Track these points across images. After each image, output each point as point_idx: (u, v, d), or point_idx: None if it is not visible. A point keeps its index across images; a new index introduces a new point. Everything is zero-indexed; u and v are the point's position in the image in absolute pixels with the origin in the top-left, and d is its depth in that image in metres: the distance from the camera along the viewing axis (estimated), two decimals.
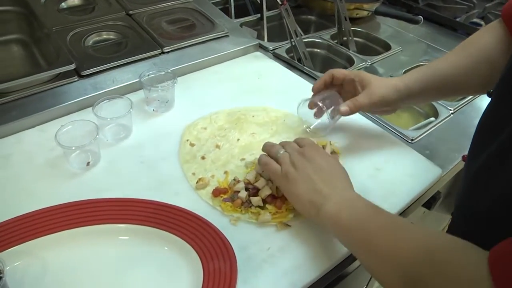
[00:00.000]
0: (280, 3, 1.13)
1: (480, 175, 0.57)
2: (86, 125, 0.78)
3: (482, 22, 1.58)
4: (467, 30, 1.49)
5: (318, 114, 0.88)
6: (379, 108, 0.82)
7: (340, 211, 0.61)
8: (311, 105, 0.86)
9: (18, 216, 0.62)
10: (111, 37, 1.06)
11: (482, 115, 0.62)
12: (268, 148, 0.74)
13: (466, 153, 0.66)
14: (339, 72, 0.84)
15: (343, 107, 0.80)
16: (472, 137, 0.64)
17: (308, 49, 1.22)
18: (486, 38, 0.77)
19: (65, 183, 0.74)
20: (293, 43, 1.17)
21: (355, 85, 0.83)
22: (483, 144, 0.58)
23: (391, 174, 0.83)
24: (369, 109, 0.84)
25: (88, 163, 0.77)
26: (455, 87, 0.80)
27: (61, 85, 0.90)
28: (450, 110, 1.05)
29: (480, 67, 0.76)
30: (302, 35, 1.23)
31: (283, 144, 0.73)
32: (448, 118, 1.03)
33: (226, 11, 1.42)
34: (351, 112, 0.80)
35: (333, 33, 1.35)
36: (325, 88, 0.86)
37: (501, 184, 0.50)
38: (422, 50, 1.36)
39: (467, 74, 0.77)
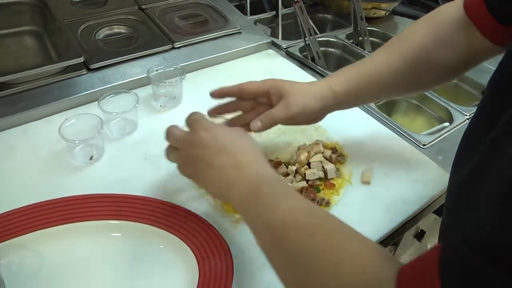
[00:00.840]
0: (294, 0, 1.11)
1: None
2: (91, 119, 0.78)
3: None
4: None
5: None
6: (302, 119, 0.72)
7: (246, 206, 0.53)
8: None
9: (16, 209, 0.62)
10: (122, 31, 1.05)
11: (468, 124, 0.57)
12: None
13: None
14: (250, 85, 0.73)
15: (255, 123, 0.68)
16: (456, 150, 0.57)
17: (322, 48, 1.20)
18: (420, 32, 0.71)
19: (68, 177, 0.73)
20: (307, 42, 1.15)
21: (270, 97, 0.72)
22: (465, 157, 0.52)
23: (400, 180, 0.80)
24: (287, 122, 0.72)
25: (91, 157, 0.77)
26: (383, 87, 0.72)
27: (70, 78, 0.90)
28: (466, 115, 1.02)
29: (415, 65, 0.69)
30: (316, 34, 1.21)
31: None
32: (463, 124, 1.00)
33: (242, 8, 1.41)
34: (263, 128, 0.69)
35: (348, 32, 1.32)
36: (232, 103, 0.76)
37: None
38: None
39: (395, 75, 0.70)
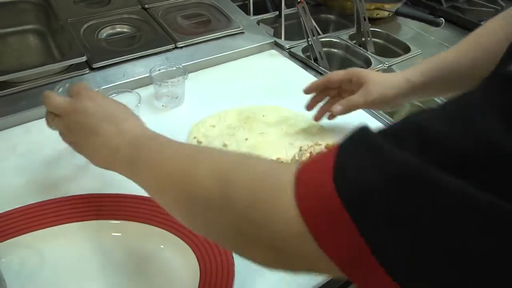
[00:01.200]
0: (297, 1, 1.11)
1: None
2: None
3: None
4: None
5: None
6: (378, 106, 0.80)
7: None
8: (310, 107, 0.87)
9: (17, 208, 0.62)
10: (125, 30, 1.05)
11: None
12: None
13: None
14: (334, 75, 0.83)
15: (336, 107, 0.79)
16: None
17: (325, 49, 1.20)
18: (498, 23, 0.72)
19: (70, 176, 0.74)
20: (310, 42, 1.15)
21: (352, 85, 0.81)
22: None
23: None
24: (366, 107, 0.82)
25: None
26: (460, 80, 0.73)
27: (72, 77, 0.90)
28: None
29: (489, 58, 0.69)
30: (319, 34, 1.21)
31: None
32: None
33: (245, 7, 1.41)
34: (343, 111, 0.79)
35: (351, 33, 1.32)
36: (320, 93, 0.86)
37: None
38: None
39: (475, 66, 0.71)
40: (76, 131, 0.59)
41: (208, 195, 0.41)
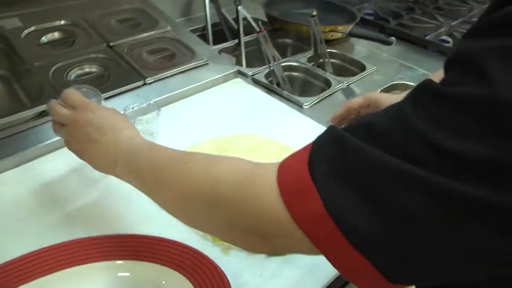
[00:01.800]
0: (258, 30, 1.16)
1: None
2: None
3: (450, 39, 1.65)
4: (437, 47, 1.55)
5: None
6: None
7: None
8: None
9: (11, 260, 0.62)
10: (94, 70, 1.07)
11: None
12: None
13: None
14: (354, 103, 0.91)
15: None
16: None
17: (286, 73, 1.26)
18: None
19: (55, 221, 0.74)
20: (271, 68, 1.21)
21: (370, 108, 0.90)
22: None
23: None
24: None
25: None
26: None
27: (46, 122, 0.90)
28: None
29: None
30: (279, 60, 1.26)
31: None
32: None
33: (204, 37, 1.45)
34: None
35: (309, 55, 1.38)
36: (342, 120, 0.95)
37: None
38: (395, 69, 1.41)
39: None
40: (80, 141, 0.66)
41: (201, 192, 0.48)
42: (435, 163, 0.34)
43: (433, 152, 0.34)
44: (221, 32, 1.52)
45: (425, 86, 0.37)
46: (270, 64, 1.20)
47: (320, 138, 0.42)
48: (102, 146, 0.63)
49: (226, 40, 1.48)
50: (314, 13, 1.30)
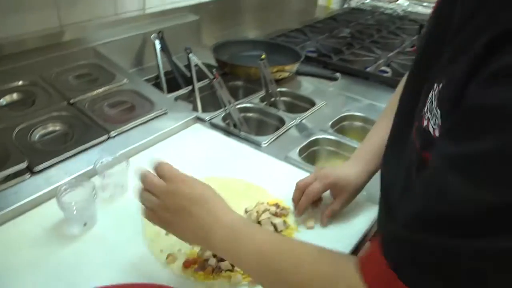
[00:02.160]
0: (212, 77, 1.23)
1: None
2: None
3: (389, 70, 1.78)
4: (378, 78, 1.67)
5: None
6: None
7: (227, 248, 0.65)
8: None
9: None
10: (58, 128, 1.09)
11: None
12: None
13: None
14: (313, 192, 0.91)
15: (322, 220, 0.91)
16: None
17: (242, 114, 1.32)
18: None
19: (32, 276, 0.76)
20: (228, 111, 1.27)
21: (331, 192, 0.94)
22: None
23: (341, 218, 0.93)
24: None
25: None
26: None
27: (13, 185, 0.91)
28: None
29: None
30: (234, 102, 1.33)
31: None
32: None
33: (158, 86, 1.50)
34: (327, 220, 0.92)
35: (261, 96, 1.46)
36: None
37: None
38: (342, 101, 1.51)
39: None
40: (172, 212, 0.67)
41: (295, 280, 0.56)
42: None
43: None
44: (174, 80, 1.58)
45: (447, 155, 0.42)
46: (226, 108, 1.27)
47: (388, 238, 0.48)
48: (197, 220, 0.66)
49: (179, 87, 1.53)
50: (263, 56, 1.38)
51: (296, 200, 0.94)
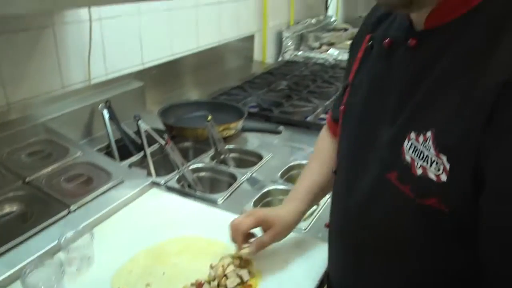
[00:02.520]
0: (164, 143, 1.29)
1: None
2: None
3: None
4: (318, 126, 1.79)
5: None
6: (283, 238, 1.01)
7: None
8: None
9: None
10: (15, 209, 1.10)
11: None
12: None
13: None
14: (242, 227, 0.95)
15: (249, 249, 0.95)
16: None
17: (195, 174, 1.39)
18: (325, 145, 1.04)
19: None
20: (182, 173, 1.33)
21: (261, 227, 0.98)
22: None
23: (297, 263, 1.00)
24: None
25: None
26: (325, 188, 1.02)
27: None
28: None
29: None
30: (187, 164, 1.40)
31: None
32: (327, 203, 1.23)
33: (110, 154, 1.54)
34: (256, 251, 0.95)
35: (211, 154, 1.53)
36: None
37: None
38: (288, 152, 1.61)
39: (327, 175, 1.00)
40: None
41: None
42: None
43: None
44: (125, 147, 1.62)
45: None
46: (180, 170, 1.33)
47: None
48: None
49: (131, 154, 1.57)
50: (209, 118, 1.47)
51: (232, 238, 0.98)
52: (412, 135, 0.59)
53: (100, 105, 1.62)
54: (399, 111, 0.64)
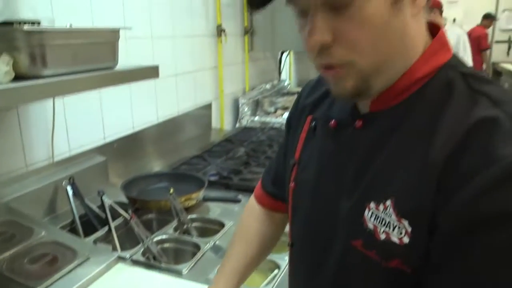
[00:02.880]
0: (129, 217, 1.34)
1: None
2: None
3: None
4: None
5: None
6: None
7: None
8: None
9: None
10: None
11: None
12: None
13: None
14: None
15: None
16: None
17: (159, 246, 1.43)
18: (250, 222, 1.07)
19: None
20: (146, 246, 1.37)
21: None
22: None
23: None
24: None
25: None
26: (252, 267, 1.05)
27: None
28: (285, 260, 1.33)
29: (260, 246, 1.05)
30: (151, 237, 1.44)
31: None
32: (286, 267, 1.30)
33: (74, 231, 1.56)
34: None
35: (174, 225, 1.58)
36: None
37: None
38: None
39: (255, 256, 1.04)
40: None
41: None
42: None
43: None
44: (89, 222, 1.65)
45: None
46: (144, 243, 1.37)
47: None
48: None
49: (95, 229, 1.60)
50: (171, 191, 1.53)
51: None
52: (372, 205, 0.67)
53: (63, 182, 1.65)
54: (355, 185, 0.71)
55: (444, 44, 0.69)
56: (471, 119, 0.59)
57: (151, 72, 1.50)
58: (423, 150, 0.62)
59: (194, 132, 2.70)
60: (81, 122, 1.87)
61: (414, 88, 0.67)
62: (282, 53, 3.97)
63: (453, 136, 0.59)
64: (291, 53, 4.21)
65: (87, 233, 1.56)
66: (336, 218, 0.74)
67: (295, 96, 3.47)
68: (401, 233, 0.63)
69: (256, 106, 3.34)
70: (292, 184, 0.87)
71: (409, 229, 0.62)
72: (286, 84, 3.96)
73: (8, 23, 1.06)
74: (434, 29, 0.70)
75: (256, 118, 3.18)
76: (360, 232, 0.68)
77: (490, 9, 6.37)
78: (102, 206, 1.59)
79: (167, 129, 2.42)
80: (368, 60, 0.64)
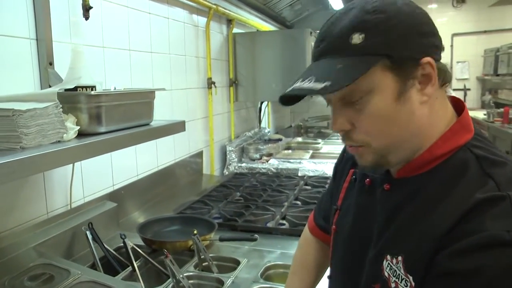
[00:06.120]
0: (164, 256, 1.44)
1: None
2: None
3: (285, 222, 2.14)
4: (279, 231, 2.02)
5: None
6: None
7: None
8: None
9: None
10: None
11: None
12: None
13: None
14: None
15: None
16: None
17: (191, 281, 1.53)
18: (309, 250, 1.22)
19: None
20: (177, 281, 1.47)
21: None
22: None
23: None
24: None
25: None
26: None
27: None
28: None
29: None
30: (183, 274, 1.54)
31: None
32: None
33: (94, 268, 1.63)
34: None
35: (194, 263, 1.69)
36: None
37: None
38: (260, 255, 1.79)
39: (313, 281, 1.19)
40: None
41: None
42: None
43: None
44: (108, 264, 1.72)
45: None
46: (177, 278, 1.47)
47: None
48: None
49: (115, 270, 1.68)
50: (195, 232, 1.65)
51: None
52: (389, 257, 0.80)
53: (83, 227, 1.74)
54: (380, 237, 0.85)
55: (466, 124, 0.82)
56: (475, 199, 0.72)
57: (179, 126, 1.66)
58: (432, 219, 0.75)
59: (188, 178, 2.82)
60: (94, 171, 1.98)
61: (434, 163, 0.80)
62: (261, 103, 4.20)
63: (458, 211, 0.72)
64: (269, 103, 4.45)
65: (108, 274, 1.63)
66: (364, 262, 0.88)
67: (278, 143, 3.66)
68: (406, 286, 0.76)
69: (242, 152, 3.50)
70: (333, 227, 1.03)
71: (413, 284, 0.75)
72: (266, 131, 4.16)
73: (72, 89, 1.22)
74: (458, 105, 0.85)
75: (243, 164, 3.33)
76: (379, 278, 0.82)
77: (446, 62, 6.94)
78: (118, 249, 1.69)
79: (166, 175, 2.55)
80: (381, 143, 0.80)
